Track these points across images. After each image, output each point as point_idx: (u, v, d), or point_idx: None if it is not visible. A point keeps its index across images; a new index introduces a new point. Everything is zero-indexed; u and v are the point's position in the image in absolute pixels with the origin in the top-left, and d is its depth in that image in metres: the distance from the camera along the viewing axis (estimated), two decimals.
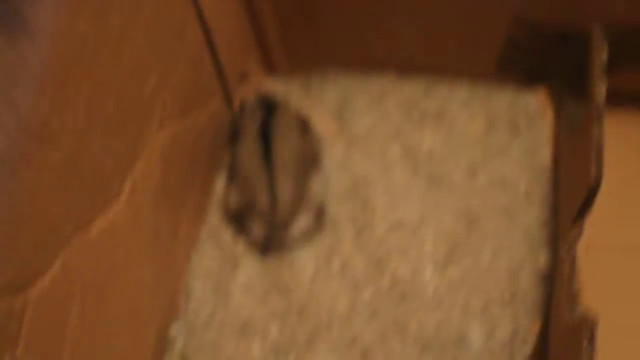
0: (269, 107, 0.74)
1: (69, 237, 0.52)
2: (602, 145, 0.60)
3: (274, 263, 0.71)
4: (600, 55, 0.66)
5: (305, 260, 0.71)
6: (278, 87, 0.81)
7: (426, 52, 0.78)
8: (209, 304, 0.70)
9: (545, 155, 0.74)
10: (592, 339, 0.52)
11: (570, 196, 0.66)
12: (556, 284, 0.64)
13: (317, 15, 0.77)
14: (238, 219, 0.74)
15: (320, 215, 0.73)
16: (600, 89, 0.63)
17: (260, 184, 0.70)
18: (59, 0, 0.48)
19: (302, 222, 0.72)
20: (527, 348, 0.65)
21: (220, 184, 0.77)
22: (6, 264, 0.45)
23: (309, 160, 0.74)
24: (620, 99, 0.68)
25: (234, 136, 0.75)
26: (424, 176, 0.74)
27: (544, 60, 0.76)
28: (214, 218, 0.75)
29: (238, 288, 0.70)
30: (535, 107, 0.77)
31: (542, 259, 0.68)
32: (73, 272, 0.52)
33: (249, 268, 0.71)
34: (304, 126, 0.75)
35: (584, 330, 0.52)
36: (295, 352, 0.66)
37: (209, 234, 0.73)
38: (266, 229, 0.71)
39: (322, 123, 0.77)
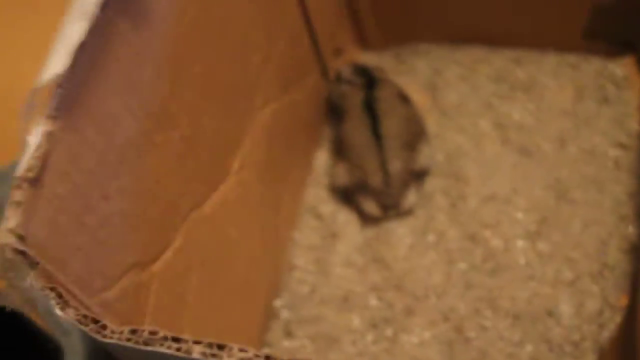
0: (369, 80, 0.76)
1: (187, 214, 0.55)
2: None
3: (372, 237, 0.73)
4: None
5: (402, 234, 0.72)
6: (372, 61, 0.82)
7: (514, 23, 0.79)
8: (310, 278, 0.72)
9: (633, 124, 0.75)
10: None
11: None
12: None
13: None
14: (349, 195, 0.75)
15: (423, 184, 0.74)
16: None
17: (373, 161, 0.71)
18: None
19: (411, 198, 0.73)
20: (616, 322, 0.65)
21: (320, 158, 0.79)
22: (136, 241, 0.48)
23: (416, 131, 0.75)
24: None
25: (333, 110, 0.77)
26: (514, 148, 0.75)
27: (632, 29, 0.76)
28: (314, 192, 0.77)
29: (338, 262, 0.72)
30: (623, 76, 0.78)
31: (631, 230, 0.69)
32: (191, 246, 0.55)
33: (349, 242, 0.73)
34: (405, 98, 0.76)
35: None
36: (393, 325, 0.68)
37: (309, 208, 0.76)
38: (379, 206, 0.72)
39: (415, 96, 0.78)
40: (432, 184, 0.74)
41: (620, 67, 0.78)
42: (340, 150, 0.75)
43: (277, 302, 0.71)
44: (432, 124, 0.78)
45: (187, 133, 0.53)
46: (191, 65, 0.54)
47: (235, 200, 0.61)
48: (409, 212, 0.73)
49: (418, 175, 0.73)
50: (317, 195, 0.76)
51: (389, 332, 0.67)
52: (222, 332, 0.59)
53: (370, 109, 0.73)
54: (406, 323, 0.68)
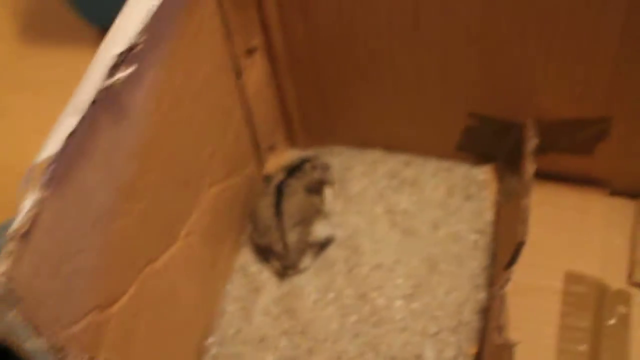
0: (289, 172, 0.77)
1: (143, 268, 0.55)
2: (527, 212, 0.63)
3: (286, 292, 0.74)
4: (530, 142, 0.70)
5: (309, 291, 0.73)
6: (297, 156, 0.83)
7: (406, 136, 0.82)
8: (236, 322, 0.72)
9: (489, 216, 0.77)
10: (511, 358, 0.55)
11: (505, 248, 0.69)
12: (490, 316, 0.67)
13: (328, 106, 0.81)
14: (261, 254, 0.77)
15: (320, 251, 0.76)
16: (530, 169, 0.67)
17: (275, 233, 0.73)
18: (149, 90, 0.51)
19: (306, 262, 0.75)
20: None
21: (250, 228, 0.79)
22: (100, 287, 0.49)
23: (312, 212, 0.76)
24: (548, 175, 0.73)
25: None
26: (399, 229, 0.77)
27: (491, 144, 0.79)
28: (245, 254, 0.77)
29: (259, 310, 0.73)
30: (483, 179, 0.80)
31: (482, 296, 0.71)
32: (144, 294, 0.55)
33: (268, 295, 0.74)
34: (310, 189, 0.77)
35: (506, 352, 0.55)
36: None
37: (240, 266, 0.76)
38: (281, 266, 0.74)
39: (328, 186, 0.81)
40: (335, 253, 0.76)
41: (482, 173, 0.81)
42: (255, 221, 0.76)
43: (209, 340, 0.71)
44: (338, 207, 0.79)
45: (148, 205, 0.54)
46: (158, 151, 0.55)
47: (182, 259, 0.62)
48: (304, 271, 0.74)
49: (316, 245, 0.75)
50: (247, 257, 0.77)
51: None
52: None
53: (280, 192, 0.75)
54: None
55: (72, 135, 0.41)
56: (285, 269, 0.74)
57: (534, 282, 0.70)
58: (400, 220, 0.78)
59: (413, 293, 0.72)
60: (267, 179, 0.78)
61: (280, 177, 0.76)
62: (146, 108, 0.51)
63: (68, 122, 0.42)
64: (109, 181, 0.48)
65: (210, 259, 0.70)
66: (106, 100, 0.44)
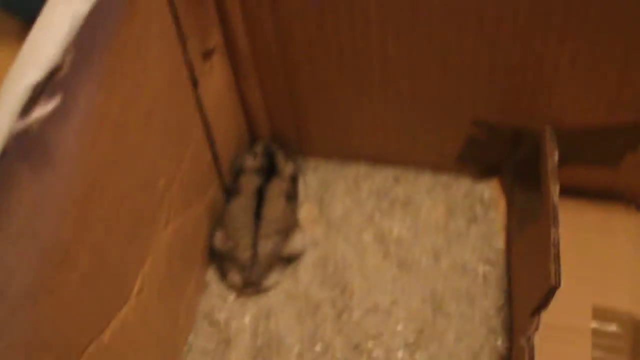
0: (269, 171, 0.71)
1: (85, 349, 0.45)
2: (559, 247, 0.54)
3: (263, 345, 0.64)
4: (553, 156, 0.61)
5: (290, 343, 0.63)
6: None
7: (395, 146, 0.73)
8: None
9: (499, 241, 0.69)
10: None
11: (525, 286, 0.61)
12: None
13: (303, 111, 0.72)
14: (219, 259, 0.68)
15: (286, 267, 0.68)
16: (554, 189, 0.59)
17: (247, 239, 0.66)
18: (80, 125, 0.41)
19: (272, 279, 0.67)
20: None
21: (213, 268, 0.69)
22: None
23: (291, 224, 0.69)
24: (565, 190, 0.62)
25: (229, 192, 0.71)
26: (394, 261, 0.68)
27: (498, 156, 0.71)
28: (210, 300, 0.67)
29: None
30: (489, 197, 0.72)
31: (500, 343, 0.62)
32: None
33: (241, 349, 0.63)
34: (290, 196, 0.71)
35: None
36: None
37: (205, 314, 0.66)
38: (243, 278, 0.66)
39: (305, 209, 0.71)
40: (319, 294, 0.66)
41: (488, 189, 0.72)
42: (222, 219, 0.68)
43: None
44: (318, 233, 0.70)
45: (88, 270, 0.44)
46: (100, 198, 0.44)
47: (135, 322, 0.51)
48: (268, 290, 0.67)
49: (286, 260, 0.68)
50: (212, 302, 0.67)
51: None
52: None
53: (260, 195, 0.68)
54: None
55: None
56: (246, 285, 0.66)
57: (559, 322, 0.61)
58: (395, 250, 0.68)
59: (417, 341, 0.63)
60: (238, 173, 0.71)
61: (257, 179, 0.70)
62: (78, 149, 0.41)
63: None
64: (33, 252, 0.37)
65: (169, 312, 0.59)
66: (22, 148, 0.34)
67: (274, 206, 0.68)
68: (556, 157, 0.61)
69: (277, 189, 0.69)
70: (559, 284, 0.53)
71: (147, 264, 0.53)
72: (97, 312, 0.46)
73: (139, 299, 0.52)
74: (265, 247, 0.65)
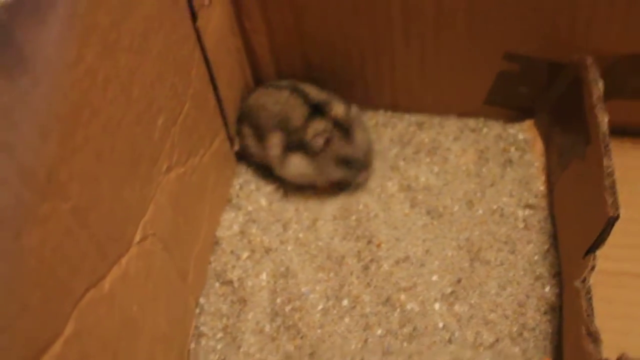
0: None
1: (82, 296, 0.39)
2: (614, 176, 0.49)
3: (284, 302, 0.58)
4: (597, 84, 0.56)
5: (314, 299, 0.58)
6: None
7: (418, 90, 0.67)
8: (220, 346, 0.56)
9: (538, 184, 0.63)
10: None
11: (575, 225, 0.55)
12: (568, 317, 0.52)
13: (313, 55, 0.65)
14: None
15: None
16: (603, 118, 0.53)
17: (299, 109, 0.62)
18: (63, 31, 0.35)
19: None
20: None
21: (227, 220, 0.64)
22: (16, 337, 0.33)
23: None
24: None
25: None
26: (423, 210, 0.62)
27: (531, 93, 0.66)
28: (221, 257, 0.61)
29: (248, 329, 0.57)
30: (524, 139, 0.66)
31: (547, 290, 0.56)
32: (86, 332, 0.39)
33: (259, 308, 0.58)
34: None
35: None
36: None
37: (217, 274, 0.60)
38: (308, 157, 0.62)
39: None
40: (342, 246, 0.60)
41: (522, 131, 0.67)
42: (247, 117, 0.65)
43: None
44: None
45: (80, 204, 0.38)
46: (89, 121, 0.39)
47: (138, 273, 0.46)
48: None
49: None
50: (224, 260, 0.61)
51: None
52: None
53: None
54: None
55: None
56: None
57: (615, 266, 0.56)
58: (423, 199, 0.63)
59: (455, 292, 0.57)
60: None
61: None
62: (60, 62, 0.36)
63: None
64: (9, 170, 0.32)
65: (177, 269, 0.54)
66: None
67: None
68: (601, 86, 0.56)
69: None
70: (618, 215, 0.48)
71: (149, 211, 0.48)
72: (94, 255, 0.40)
73: (141, 249, 0.46)
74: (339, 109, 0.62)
